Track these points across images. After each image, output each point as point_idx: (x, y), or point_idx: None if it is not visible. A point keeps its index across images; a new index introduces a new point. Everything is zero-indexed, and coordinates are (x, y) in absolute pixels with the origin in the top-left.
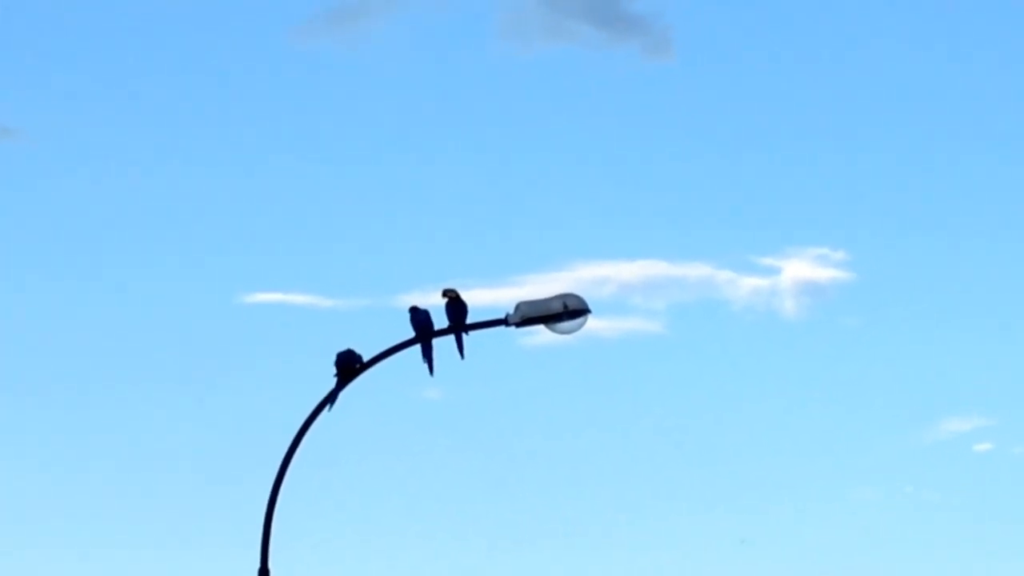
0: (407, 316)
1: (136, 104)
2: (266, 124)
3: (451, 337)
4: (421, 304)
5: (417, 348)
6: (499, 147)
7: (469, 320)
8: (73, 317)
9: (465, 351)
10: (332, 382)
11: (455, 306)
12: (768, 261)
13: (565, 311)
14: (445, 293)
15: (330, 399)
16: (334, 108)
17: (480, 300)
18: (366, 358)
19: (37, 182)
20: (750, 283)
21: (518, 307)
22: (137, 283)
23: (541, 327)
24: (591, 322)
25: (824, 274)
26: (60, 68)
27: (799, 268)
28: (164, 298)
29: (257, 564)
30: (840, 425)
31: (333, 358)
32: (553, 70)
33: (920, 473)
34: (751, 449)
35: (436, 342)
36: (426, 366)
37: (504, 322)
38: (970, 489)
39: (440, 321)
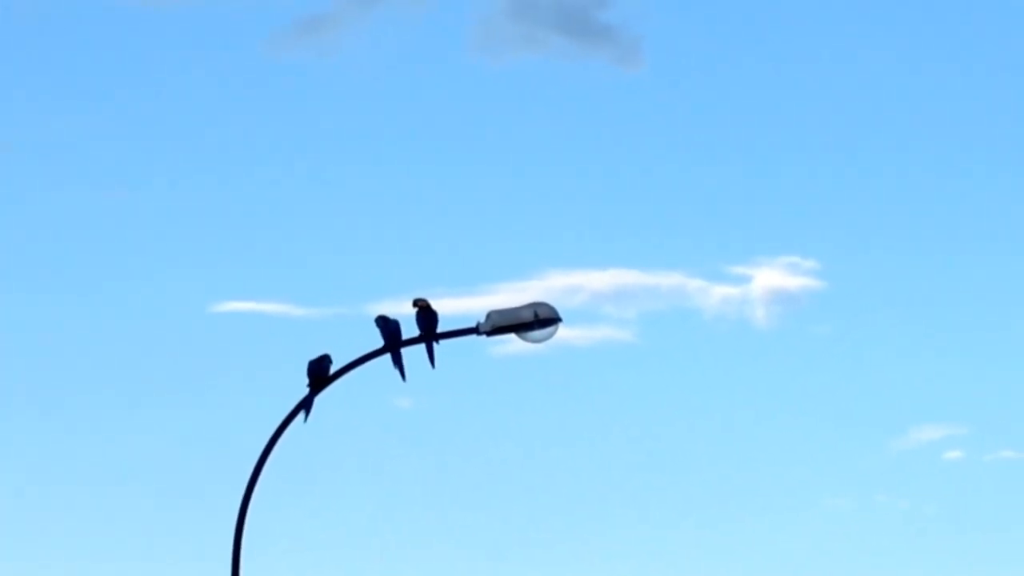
0: (377, 325)
1: (108, 114)
2: (239, 134)
3: (421, 346)
4: (391, 313)
5: (387, 357)
6: (470, 157)
7: (440, 329)
8: (44, 326)
9: (436, 360)
10: (303, 390)
11: (426, 315)
12: (739, 270)
13: (536, 320)
14: (416, 303)
15: (305, 408)
16: (306, 118)
17: (450, 309)
18: (337, 367)
19: (8, 192)
20: (721, 292)
21: (489, 316)
22: (108, 292)
23: (512, 336)
24: (562, 331)
25: (795, 282)
26: (33, 79)
27: (770, 277)
28: (135, 307)
29: (229, 573)
30: (811, 434)
31: (305, 367)
32: (524, 80)
33: (891, 482)
34: (722, 458)
35: (406, 351)
36: (397, 372)
37: (475, 331)
38: (941, 497)
39: (411, 330)
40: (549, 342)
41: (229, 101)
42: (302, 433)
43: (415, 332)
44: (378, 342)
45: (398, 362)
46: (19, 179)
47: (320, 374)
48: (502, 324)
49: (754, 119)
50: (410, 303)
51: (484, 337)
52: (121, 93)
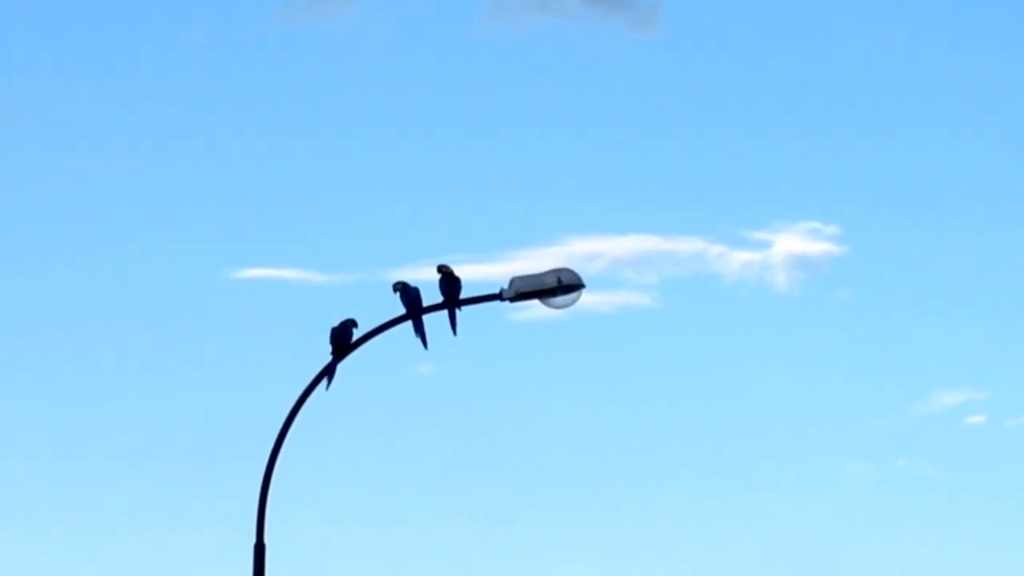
0: (397, 295)
1: (122, 83)
2: (257, 103)
3: (443, 312)
4: (411, 280)
5: (409, 323)
6: (490, 122)
7: (462, 295)
8: (62, 296)
9: (457, 327)
10: (325, 357)
11: (448, 281)
12: (760, 235)
13: (559, 286)
14: (439, 269)
15: (328, 375)
16: (327, 85)
17: (469, 275)
18: (359, 334)
19: (21, 159)
20: (742, 257)
21: (512, 282)
22: (127, 260)
23: (535, 301)
24: (583, 297)
25: (816, 248)
26: (44, 47)
27: (791, 242)
28: (155, 275)
29: (253, 539)
30: (832, 399)
31: (327, 334)
32: (541, 45)
33: (912, 447)
34: (743, 423)
35: (429, 318)
36: (419, 340)
37: (499, 297)
38: (963, 462)
39: (433, 296)
40: (570, 308)
41: (248, 71)
42: (324, 399)
43: (437, 298)
44: (397, 308)
45: (420, 330)
46: (37, 147)
47: (343, 341)
48: (525, 290)
49: (773, 83)
50: (430, 269)
51: (506, 303)
52: (140, 63)
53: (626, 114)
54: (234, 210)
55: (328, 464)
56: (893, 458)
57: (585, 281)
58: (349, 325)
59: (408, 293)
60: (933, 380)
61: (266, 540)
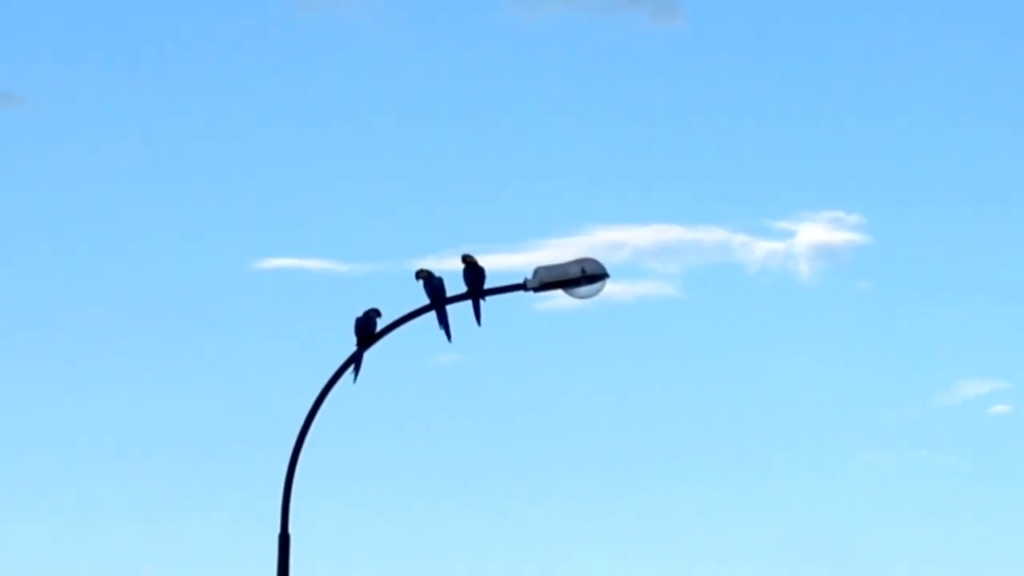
0: (421, 283)
1: (144, 71)
2: (279, 93)
3: (467, 302)
4: (435, 269)
5: (432, 314)
6: (513, 112)
7: (487, 285)
8: (86, 285)
9: (482, 317)
10: (348, 347)
11: (472, 272)
12: (783, 225)
13: (583, 276)
14: (464, 259)
15: (355, 366)
16: (348, 75)
17: (492, 264)
18: (382, 324)
19: (45, 149)
20: (765, 247)
21: (537, 272)
22: (151, 250)
23: (559, 292)
24: (607, 286)
25: (839, 237)
26: (65, 34)
27: (814, 231)
28: (178, 265)
29: (278, 529)
30: (854, 389)
31: (350, 324)
32: (564, 35)
33: (935, 437)
34: (765, 413)
35: (453, 308)
36: (443, 332)
37: (523, 287)
38: (987, 453)
39: (457, 287)
40: (594, 298)
41: (269, 58)
42: (348, 389)
43: (461, 288)
44: (421, 298)
45: (444, 322)
46: (60, 138)
47: (367, 331)
48: (549, 280)
49: (796, 73)
50: (453, 259)
51: (530, 293)
52: (161, 53)
53: (649, 104)
54: (257, 200)
55: (352, 454)
56: (915, 448)
57: (609, 271)
58: (373, 315)
59: (432, 284)
60: (956, 370)
61: (290, 530)
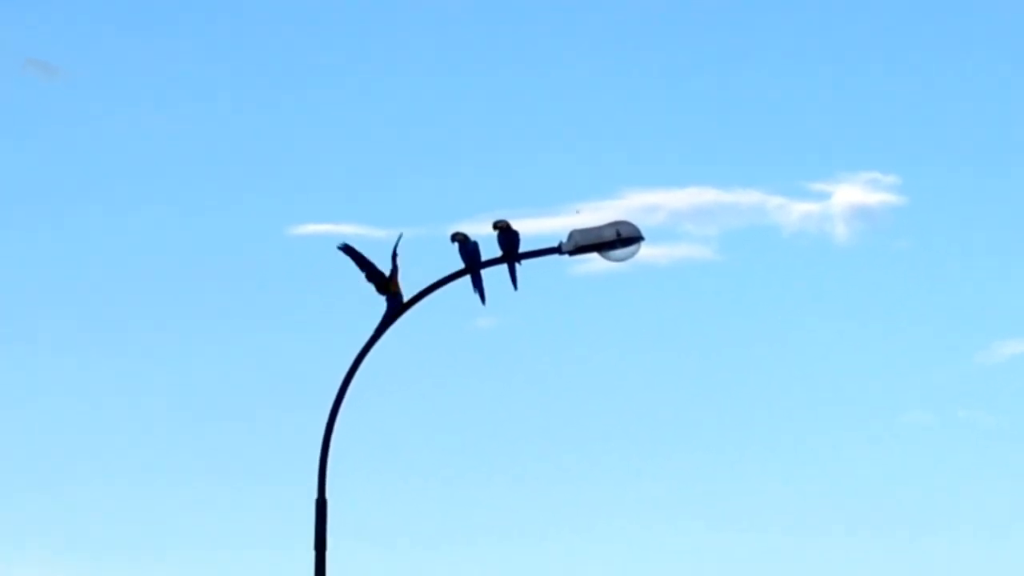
0: (456, 246)
1: (179, 40)
2: (314, 58)
3: (502, 267)
4: (470, 234)
5: (467, 278)
6: (548, 76)
7: (521, 249)
8: (122, 252)
9: (518, 281)
10: (383, 311)
11: (507, 236)
12: (819, 186)
13: (618, 239)
14: (496, 225)
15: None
16: (383, 39)
17: (526, 229)
18: (417, 289)
19: (82, 119)
20: (801, 208)
21: (571, 235)
22: (186, 217)
23: (594, 255)
24: (642, 249)
25: (875, 198)
26: (102, 5)
27: (850, 193)
28: (214, 231)
29: (315, 495)
30: (893, 349)
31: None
32: None
33: (975, 396)
34: (803, 375)
35: (488, 272)
36: (477, 296)
37: (558, 250)
38: None
39: (492, 251)
40: (629, 261)
41: (303, 24)
42: (384, 354)
43: (496, 253)
44: (457, 262)
45: (478, 285)
46: (94, 106)
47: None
48: (584, 243)
49: (835, 34)
50: (487, 224)
51: (566, 257)
52: (195, 18)
53: (684, 66)
54: (292, 166)
55: (388, 419)
56: (954, 408)
57: (644, 234)
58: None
59: (467, 248)
60: (995, 329)
61: (327, 496)
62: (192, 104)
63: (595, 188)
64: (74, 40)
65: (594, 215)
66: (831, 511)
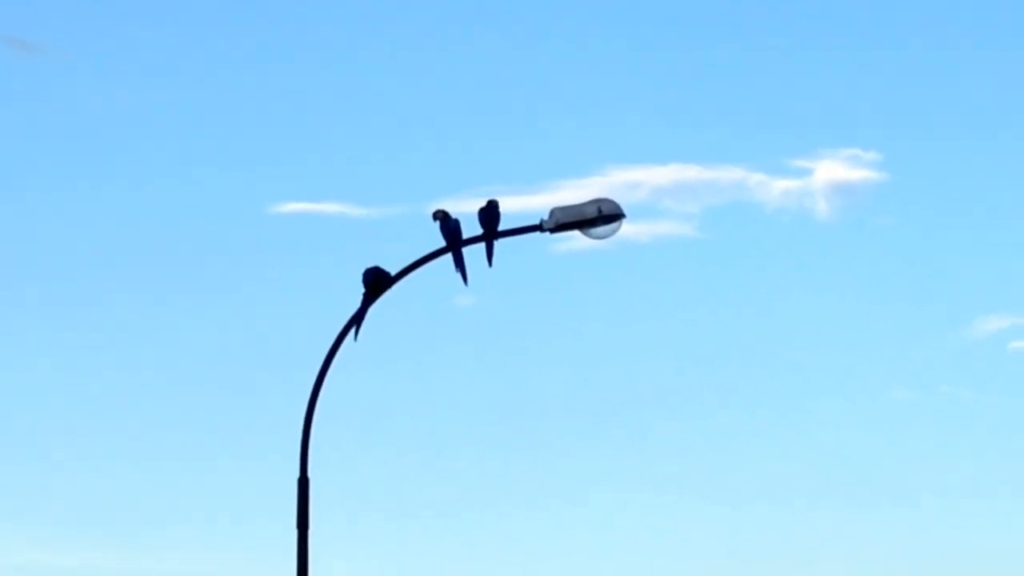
0: (437, 224)
1: (159, 18)
2: (296, 35)
3: (482, 244)
4: (452, 212)
5: (448, 256)
6: (528, 52)
7: (502, 227)
8: (101, 229)
9: (493, 258)
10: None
11: (487, 212)
12: (800, 163)
13: (600, 216)
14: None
15: (356, 322)
16: (366, 17)
17: (511, 206)
18: (398, 267)
19: (60, 97)
20: (782, 185)
21: (553, 213)
22: (167, 195)
23: (575, 232)
24: (624, 227)
25: (856, 175)
26: None
27: (831, 169)
28: (193, 209)
29: (297, 473)
30: (874, 326)
31: (367, 266)
32: None
33: (956, 372)
34: (786, 350)
35: (470, 251)
36: (459, 275)
37: (539, 228)
38: (1007, 388)
39: (473, 229)
40: (611, 238)
41: (290, 2)
42: (365, 333)
43: (477, 230)
44: (438, 240)
45: (460, 264)
46: (74, 84)
47: (376, 282)
48: (566, 221)
49: (812, 10)
50: (469, 202)
51: (547, 234)
52: None
53: (665, 42)
54: (274, 145)
55: (371, 397)
56: (936, 384)
57: (625, 211)
58: (382, 272)
59: (448, 225)
60: (976, 306)
61: (309, 473)
62: (172, 82)
63: (577, 165)
64: (52, 18)
65: (575, 192)
66: (813, 486)
